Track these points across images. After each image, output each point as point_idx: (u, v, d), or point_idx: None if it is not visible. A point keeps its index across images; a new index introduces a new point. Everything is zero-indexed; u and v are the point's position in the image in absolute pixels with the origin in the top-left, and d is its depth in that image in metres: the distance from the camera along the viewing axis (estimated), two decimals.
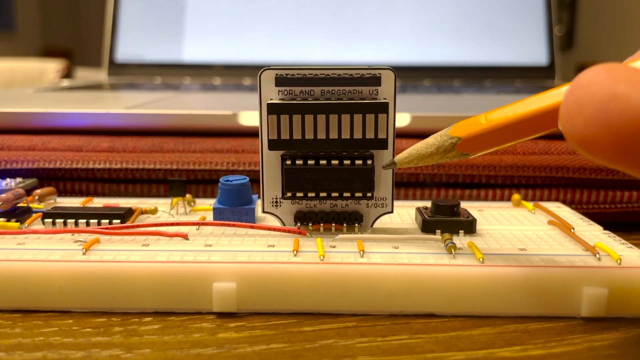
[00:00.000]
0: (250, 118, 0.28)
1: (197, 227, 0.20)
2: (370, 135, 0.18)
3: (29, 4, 3.02)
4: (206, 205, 0.23)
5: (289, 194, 0.19)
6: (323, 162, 0.19)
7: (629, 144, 0.12)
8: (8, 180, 0.23)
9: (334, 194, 0.19)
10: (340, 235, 0.19)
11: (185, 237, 0.19)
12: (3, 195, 0.20)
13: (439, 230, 0.20)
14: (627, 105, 0.11)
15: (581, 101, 0.12)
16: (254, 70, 0.55)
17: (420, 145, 0.17)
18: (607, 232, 0.20)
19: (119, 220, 0.20)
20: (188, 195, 0.23)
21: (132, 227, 0.19)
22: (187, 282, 0.17)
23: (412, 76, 0.52)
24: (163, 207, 0.23)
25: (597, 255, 0.17)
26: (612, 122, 0.12)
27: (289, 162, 0.19)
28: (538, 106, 0.14)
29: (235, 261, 0.17)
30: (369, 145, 0.19)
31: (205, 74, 0.56)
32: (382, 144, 0.19)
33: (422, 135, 0.27)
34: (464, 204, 0.23)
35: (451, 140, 0.16)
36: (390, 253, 0.18)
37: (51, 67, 0.98)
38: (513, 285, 0.16)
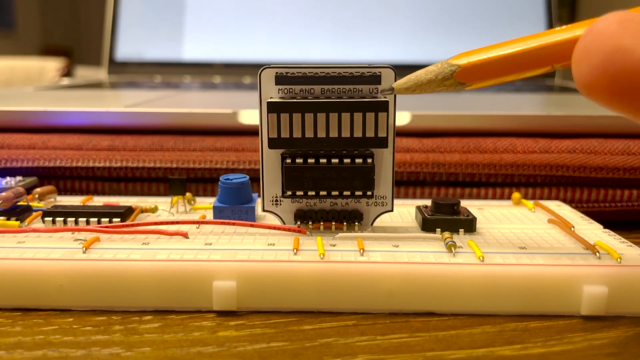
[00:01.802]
0: (250, 116, 0.28)
1: (197, 225, 0.20)
2: (370, 133, 0.18)
3: (29, 2, 3.01)
4: (206, 204, 0.23)
5: (289, 193, 0.19)
6: (323, 160, 0.19)
7: (628, 93, 0.12)
8: (8, 178, 0.23)
9: (334, 193, 0.19)
10: (340, 234, 0.19)
11: (185, 235, 0.19)
12: (3, 193, 0.20)
13: (439, 229, 0.20)
14: (630, 57, 0.12)
15: (589, 48, 0.13)
16: (254, 68, 0.55)
17: (419, 72, 0.17)
18: (607, 230, 0.20)
19: (119, 219, 0.20)
20: (188, 194, 0.23)
21: (132, 225, 0.19)
22: (187, 281, 0.17)
23: None
24: (163, 206, 0.23)
25: (597, 253, 0.17)
26: (614, 72, 0.12)
27: (289, 160, 0.19)
28: (539, 43, 0.15)
29: (236, 260, 0.17)
30: (369, 144, 0.19)
31: (205, 72, 0.56)
32: (382, 143, 0.19)
33: (422, 133, 0.28)
34: (464, 203, 0.23)
35: (451, 68, 0.16)
36: (390, 252, 0.18)
37: (51, 66, 0.98)
38: (513, 283, 0.16)
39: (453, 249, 0.18)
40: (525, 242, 0.19)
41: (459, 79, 0.16)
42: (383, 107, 0.18)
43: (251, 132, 0.28)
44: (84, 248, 0.17)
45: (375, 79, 0.19)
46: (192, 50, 0.57)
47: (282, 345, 0.15)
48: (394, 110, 0.19)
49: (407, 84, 0.17)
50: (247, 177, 0.21)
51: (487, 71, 0.16)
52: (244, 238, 0.19)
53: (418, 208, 0.21)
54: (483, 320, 0.16)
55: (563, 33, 0.15)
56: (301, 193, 0.19)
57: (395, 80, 0.19)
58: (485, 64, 0.15)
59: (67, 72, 0.98)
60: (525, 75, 0.15)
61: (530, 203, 0.23)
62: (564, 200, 0.25)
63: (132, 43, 0.57)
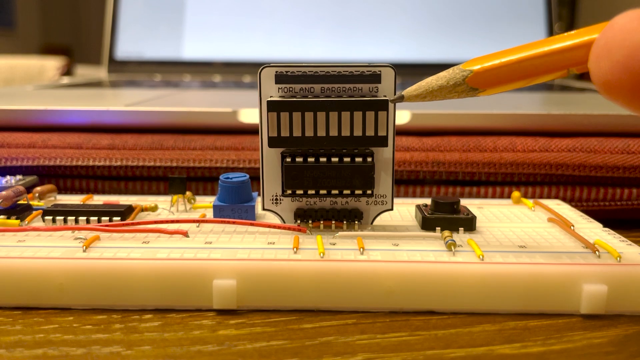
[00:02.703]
0: (250, 115, 0.28)
1: (197, 224, 0.20)
2: (370, 132, 0.18)
3: (29, 1, 3.01)
4: (206, 203, 0.23)
5: (289, 192, 0.19)
6: (323, 159, 0.19)
7: None
8: (8, 177, 0.23)
9: (334, 192, 0.19)
10: (340, 233, 0.19)
11: (185, 234, 0.19)
12: (3, 192, 0.20)
13: (439, 228, 0.20)
14: None
15: (610, 45, 0.12)
16: (254, 67, 0.55)
17: (430, 78, 0.16)
18: (606, 229, 0.20)
19: (119, 218, 0.20)
20: (188, 193, 0.23)
21: (133, 224, 0.19)
22: (188, 279, 0.17)
23: (412, 73, 0.52)
24: (163, 205, 0.23)
25: (597, 252, 0.17)
26: (637, 68, 0.12)
27: (289, 159, 0.19)
28: (554, 46, 0.15)
29: (236, 258, 0.17)
30: (369, 143, 0.19)
31: (205, 71, 0.56)
32: (382, 142, 0.19)
33: (422, 132, 0.28)
34: (464, 202, 0.23)
35: (463, 73, 0.15)
36: (390, 250, 0.18)
37: (51, 65, 0.98)
38: (513, 282, 0.17)
39: (453, 248, 0.18)
40: (525, 240, 0.19)
41: (471, 84, 0.15)
42: (383, 106, 0.18)
43: (251, 131, 0.28)
44: (84, 247, 0.17)
45: (375, 78, 0.19)
46: (192, 49, 0.57)
47: (282, 344, 0.15)
48: (393, 109, 0.19)
49: (417, 91, 0.16)
50: (247, 175, 0.21)
51: (501, 76, 0.15)
52: (244, 237, 0.19)
53: (418, 207, 0.21)
54: (483, 319, 0.16)
55: (579, 36, 0.14)
56: (301, 192, 0.19)
57: (395, 79, 0.19)
58: (498, 68, 0.15)
59: (67, 71, 0.98)
60: (540, 80, 0.15)
61: (530, 202, 0.23)
62: (564, 199, 0.25)
63: (132, 42, 0.57)
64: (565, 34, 0.15)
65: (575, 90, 0.45)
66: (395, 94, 0.19)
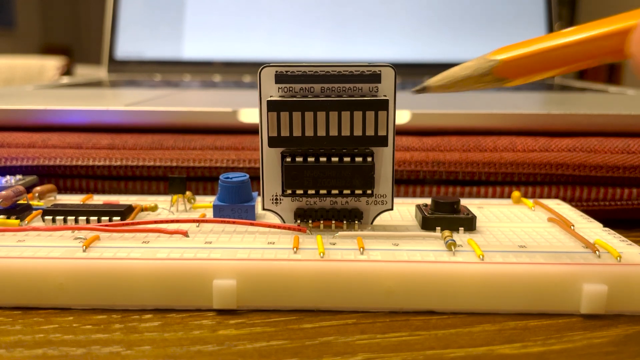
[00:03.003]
0: (250, 115, 0.28)
1: (197, 224, 0.20)
2: (370, 132, 0.18)
3: (29, 1, 3.01)
4: (206, 203, 0.23)
5: (289, 191, 0.19)
6: (323, 159, 0.19)
7: None
8: (8, 177, 0.23)
9: (334, 191, 0.19)
10: (340, 233, 0.19)
11: (185, 234, 0.19)
12: (3, 192, 0.20)
13: (439, 228, 0.20)
14: None
15: None
16: (253, 67, 0.55)
17: (455, 68, 0.16)
18: (607, 229, 0.20)
19: (119, 218, 0.20)
20: (188, 193, 0.23)
21: (132, 224, 0.19)
22: (187, 279, 0.17)
23: (412, 73, 0.52)
24: (163, 205, 0.23)
25: (597, 252, 0.17)
26: None
27: (289, 159, 0.19)
28: (585, 34, 0.14)
29: (235, 258, 0.17)
30: (369, 143, 0.19)
31: (205, 71, 0.56)
32: (382, 141, 0.19)
33: (422, 132, 0.28)
34: (464, 201, 0.23)
35: (489, 63, 0.15)
36: (390, 250, 0.18)
37: (51, 64, 0.98)
38: (513, 282, 0.17)
39: (453, 248, 0.18)
40: (525, 240, 0.19)
41: (497, 74, 0.15)
42: (383, 105, 0.18)
43: (251, 130, 0.28)
44: (84, 247, 0.17)
45: (375, 78, 0.18)
46: (192, 49, 0.57)
47: (282, 344, 0.15)
48: (394, 109, 0.19)
49: (442, 81, 0.16)
50: (247, 175, 0.21)
51: (530, 66, 0.15)
52: (244, 237, 0.19)
53: (418, 207, 0.21)
54: (483, 319, 0.16)
55: (613, 23, 0.14)
56: (301, 192, 0.19)
57: (395, 79, 0.19)
58: (527, 58, 0.15)
59: (67, 71, 0.98)
60: (570, 69, 0.15)
61: (530, 202, 0.23)
62: (564, 199, 0.25)
63: (132, 41, 0.57)
64: (595, 22, 0.14)
65: (575, 90, 0.45)
66: (395, 94, 0.19)
